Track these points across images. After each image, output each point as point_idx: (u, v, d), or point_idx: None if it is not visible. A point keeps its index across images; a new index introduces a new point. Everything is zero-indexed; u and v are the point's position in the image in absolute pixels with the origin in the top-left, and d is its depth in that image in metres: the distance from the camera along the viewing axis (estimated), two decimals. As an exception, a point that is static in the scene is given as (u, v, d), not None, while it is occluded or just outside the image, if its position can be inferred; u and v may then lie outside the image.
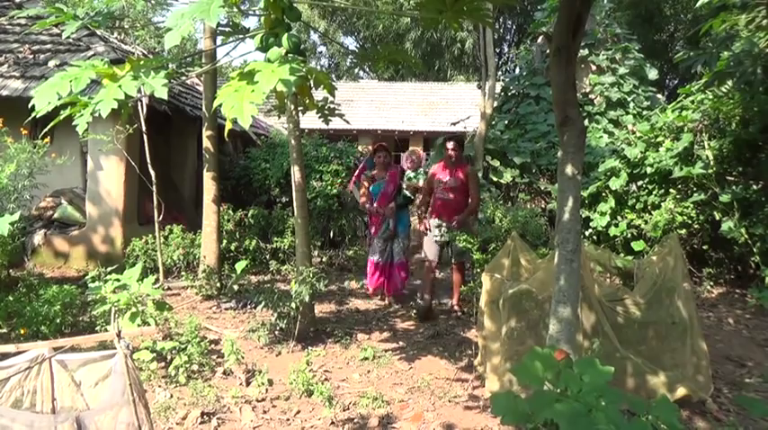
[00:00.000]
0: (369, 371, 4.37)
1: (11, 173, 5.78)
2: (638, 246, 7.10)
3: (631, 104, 11.58)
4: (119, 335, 2.12)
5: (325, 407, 3.62)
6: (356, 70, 31.47)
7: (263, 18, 3.22)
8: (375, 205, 6.30)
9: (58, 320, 4.59)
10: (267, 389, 3.89)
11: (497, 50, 25.90)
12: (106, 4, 3.47)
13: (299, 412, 3.62)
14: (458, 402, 3.81)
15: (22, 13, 3.52)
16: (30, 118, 3.17)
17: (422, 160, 7.41)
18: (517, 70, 18.94)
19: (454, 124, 13.02)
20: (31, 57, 7.97)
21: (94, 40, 8.34)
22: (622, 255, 6.98)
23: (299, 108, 4.95)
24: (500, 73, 20.66)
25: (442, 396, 3.89)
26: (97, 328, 4.48)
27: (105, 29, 9.72)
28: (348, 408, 3.67)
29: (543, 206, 9.88)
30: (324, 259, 8.29)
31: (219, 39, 3.62)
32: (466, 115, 14.24)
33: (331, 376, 4.26)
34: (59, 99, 2.72)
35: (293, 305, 4.72)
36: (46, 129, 5.10)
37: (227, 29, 3.74)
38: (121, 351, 2.07)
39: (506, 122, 11.89)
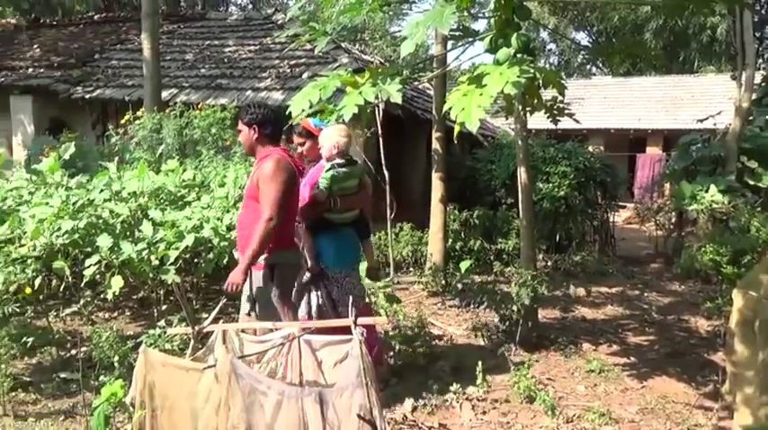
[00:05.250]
0: (595, 385, 4.13)
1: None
2: None
3: None
4: (355, 322, 2.31)
5: (547, 416, 3.51)
6: (588, 66, 29.91)
7: (492, 20, 3.23)
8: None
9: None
10: (488, 390, 3.90)
11: (757, 35, 22.46)
12: (350, 18, 3.79)
13: (517, 416, 3.57)
14: (699, 431, 3.42)
15: (284, 33, 4.03)
16: (287, 125, 3.61)
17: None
18: (784, 56, 16.30)
19: (701, 121, 11.64)
20: (289, 71, 9.06)
21: (339, 52, 9.17)
22: None
23: (527, 108, 4.87)
24: (760, 61, 17.91)
25: (680, 422, 3.53)
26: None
27: (348, 41, 10.64)
28: (572, 421, 3.52)
29: (816, 214, 8.35)
30: (549, 263, 8.04)
31: (450, 43, 3.73)
32: (716, 110, 12.61)
33: (554, 385, 4.12)
34: (311, 106, 3.06)
35: (515, 308, 4.67)
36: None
37: (457, 33, 3.84)
38: (357, 337, 2.25)
39: (767, 118, 10.31)
